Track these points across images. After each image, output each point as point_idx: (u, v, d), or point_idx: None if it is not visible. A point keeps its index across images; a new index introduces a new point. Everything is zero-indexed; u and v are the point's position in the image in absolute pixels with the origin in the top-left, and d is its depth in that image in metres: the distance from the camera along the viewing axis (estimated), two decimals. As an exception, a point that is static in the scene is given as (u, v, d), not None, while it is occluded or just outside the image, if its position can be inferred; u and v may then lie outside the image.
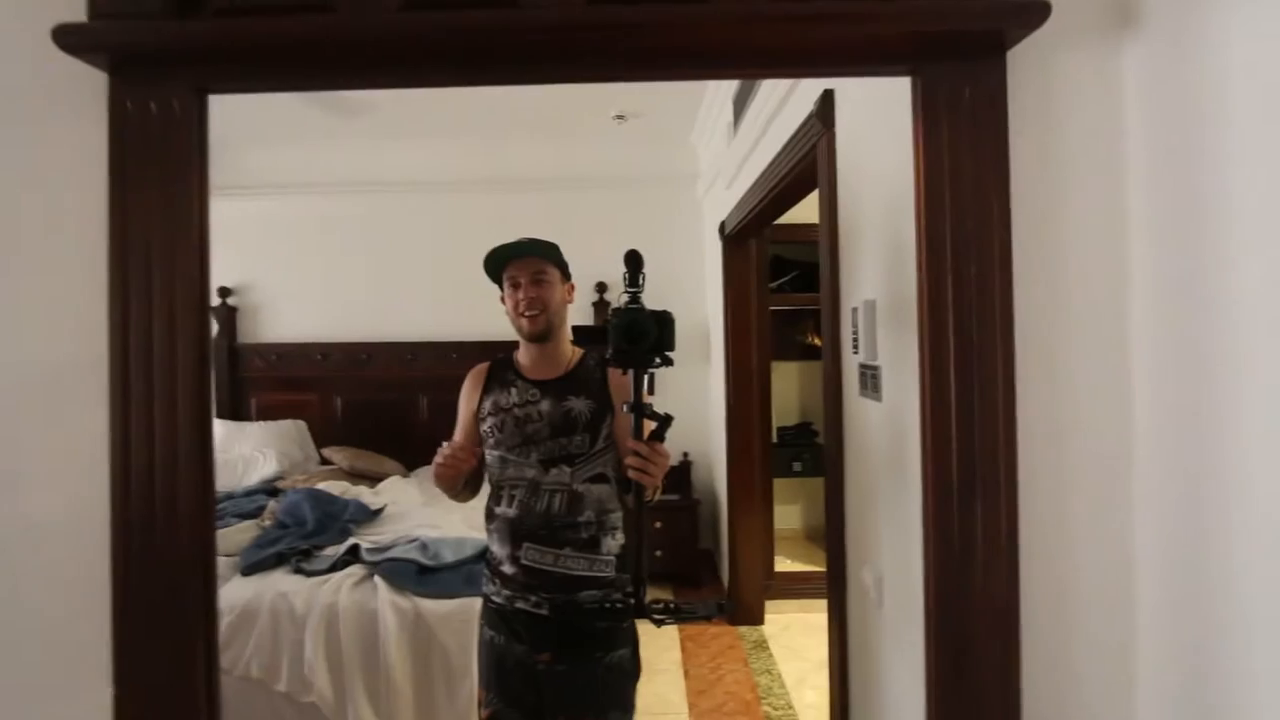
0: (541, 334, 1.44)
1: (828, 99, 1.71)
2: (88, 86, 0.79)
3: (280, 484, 3.20)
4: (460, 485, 1.47)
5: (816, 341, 4.26)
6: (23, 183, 0.84)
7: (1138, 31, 0.86)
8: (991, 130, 0.81)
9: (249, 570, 2.30)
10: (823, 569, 3.61)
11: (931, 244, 0.81)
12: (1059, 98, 0.87)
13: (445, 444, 1.38)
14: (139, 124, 0.77)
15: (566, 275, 1.49)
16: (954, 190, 0.81)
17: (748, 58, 0.86)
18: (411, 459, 3.71)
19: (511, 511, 1.42)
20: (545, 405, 1.43)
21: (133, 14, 0.74)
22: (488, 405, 1.47)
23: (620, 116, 3.49)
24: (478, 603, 2.09)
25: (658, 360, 1.20)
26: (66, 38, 0.73)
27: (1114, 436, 0.87)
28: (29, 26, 0.78)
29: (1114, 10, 0.87)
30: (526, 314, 1.42)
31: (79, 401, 0.82)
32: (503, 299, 1.49)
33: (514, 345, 1.53)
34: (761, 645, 3.07)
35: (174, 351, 0.76)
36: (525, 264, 1.43)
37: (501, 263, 1.45)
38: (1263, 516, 0.72)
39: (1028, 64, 0.86)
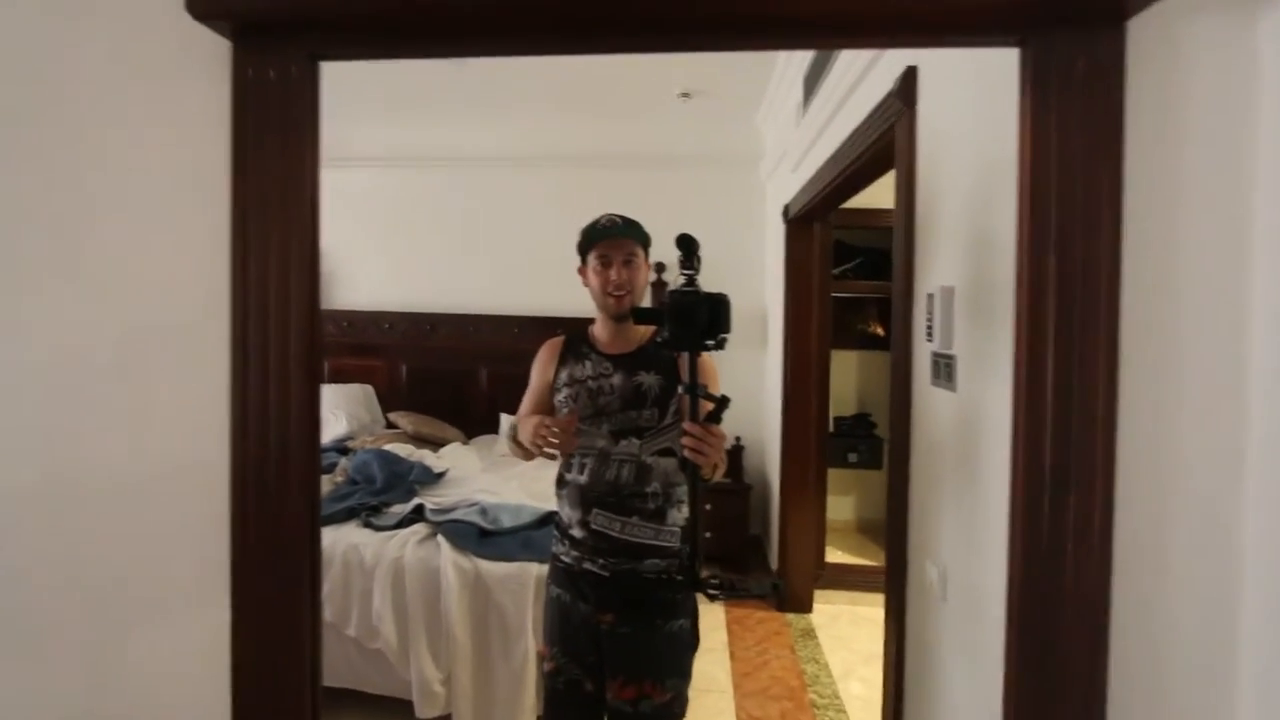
0: (625, 313, 1.48)
1: (910, 76, 1.64)
2: (214, 54, 0.85)
3: (350, 444, 3.37)
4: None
5: (878, 330, 4.14)
6: (155, 141, 0.90)
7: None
8: (1106, 106, 0.76)
9: (323, 522, 2.44)
10: (874, 562, 3.59)
11: (1035, 226, 0.77)
12: (1182, 73, 0.80)
13: (544, 422, 1.36)
14: (258, 89, 0.82)
15: (648, 257, 1.53)
16: (1061, 170, 0.76)
17: (847, 25, 0.84)
18: (471, 427, 3.84)
19: (583, 479, 1.47)
20: (617, 379, 1.46)
21: (255, -16, 0.79)
22: (563, 377, 1.51)
23: (686, 94, 3.44)
24: (534, 567, 2.18)
25: (711, 343, 1.20)
26: (196, 5, 0.78)
27: (1224, 437, 0.81)
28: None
29: (1252, -25, 0.80)
30: (615, 293, 1.46)
31: (203, 350, 0.88)
32: (581, 270, 1.52)
33: (574, 322, 1.56)
34: (809, 634, 3.06)
35: (288, 309, 0.82)
36: (620, 245, 1.46)
37: (594, 239, 1.48)
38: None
39: (1149, 35, 0.79)
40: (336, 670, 2.23)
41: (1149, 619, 0.83)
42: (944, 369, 1.41)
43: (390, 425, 3.82)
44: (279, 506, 0.83)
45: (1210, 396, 0.82)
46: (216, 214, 0.86)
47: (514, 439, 1.50)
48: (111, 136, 0.91)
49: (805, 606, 3.26)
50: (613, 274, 1.45)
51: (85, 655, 0.95)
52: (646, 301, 1.49)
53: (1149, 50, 0.80)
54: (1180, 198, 0.82)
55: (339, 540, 2.31)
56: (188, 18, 0.80)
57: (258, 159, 0.82)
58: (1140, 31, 0.79)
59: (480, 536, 2.31)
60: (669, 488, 1.47)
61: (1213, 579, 0.82)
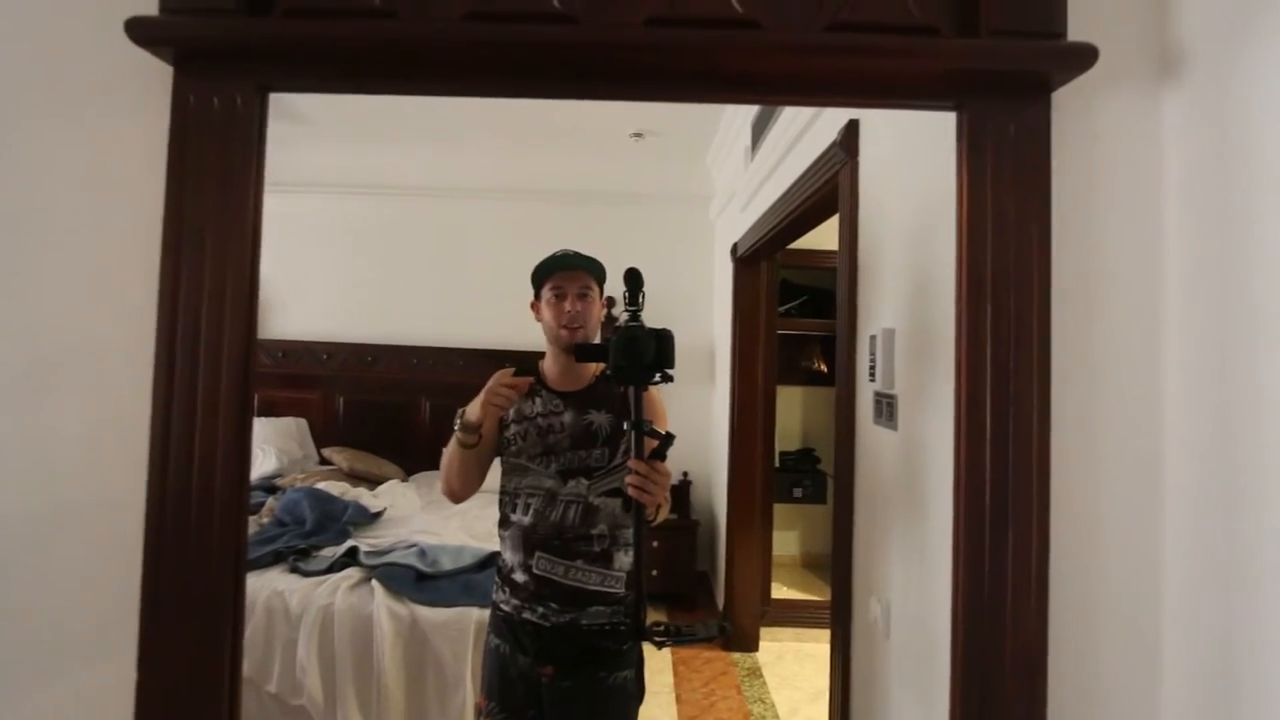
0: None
1: (852, 128, 1.73)
2: (153, 78, 0.81)
3: (279, 481, 3.17)
4: (473, 474, 1.46)
5: (822, 367, 4.27)
6: (85, 166, 0.85)
7: (1177, 81, 0.88)
8: (1034, 166, 0.83)
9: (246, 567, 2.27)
10: (819, 597, 3.62)
11: (972, 276, 0.82)
12: (1100, 139, 0.89)
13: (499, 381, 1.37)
14: (201, 117, 0.78)
15: (602, 293, 1.52)
16: (996, 223, 0.82)
17: (798, 85, 0.88)
18: (412, 464, 3.69)
19: (526, 519, 1.42)
20: (567, 417, 1.43)
21: (202, 10, 0.76)
22: (512, 413, 1.47)
23: (638, 134, 3.52)
24: (474, 612, 2.09)
25: (657, 377, 1.21)
26: (138, 30, 0.75)
27: (1145, 470, 0.88)
28: (103, 16, 0.80)
29: (1155, 59, 0.90)
30: (569, 326, 1.43)
31: (122, 385, 0.82)
32: (534, 305, 1.50)
33: (521, 355, 1.53)
34: (755, 673, 3.03)
35: (220, 343, 0.77)
36: (574, 277, 1.45)
37: (549, 271, 1.46)
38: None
39: (1071, 105, 0.88)
40: (254, 731, 2.05)
41: (1083, 650, 0.87)
42: (886, 408, 1.46)
43: (324, 461, 3.63)
44: (200, 550, 0.76)
45: (1130, 436, 0.89)
46: (148, 241, 0.81)
47: (461, 426, 1.41)
48: (33, 156, 0.85)
49: (751, 645, 3.24)
50: (567, 305, 1.43)
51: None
52: (598, 338, 1.48)
53: (1071, 120, 0.89)
54: (1100, 251, 0.90)
55: (262, 586, 2.15)
56: (124, 40, 0.76)
57: (196, 187, 0.78)
58: (1064, 102, 0.88)
59: (418, 580, 2.20)
60: (615, 530, 1.43)
61: (1139, 608, 0.88)
